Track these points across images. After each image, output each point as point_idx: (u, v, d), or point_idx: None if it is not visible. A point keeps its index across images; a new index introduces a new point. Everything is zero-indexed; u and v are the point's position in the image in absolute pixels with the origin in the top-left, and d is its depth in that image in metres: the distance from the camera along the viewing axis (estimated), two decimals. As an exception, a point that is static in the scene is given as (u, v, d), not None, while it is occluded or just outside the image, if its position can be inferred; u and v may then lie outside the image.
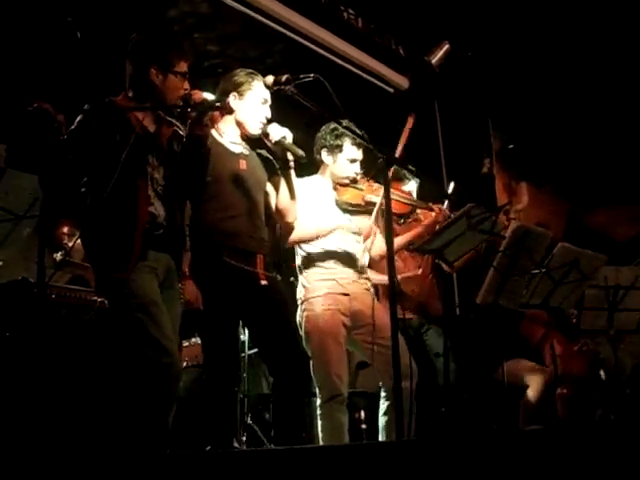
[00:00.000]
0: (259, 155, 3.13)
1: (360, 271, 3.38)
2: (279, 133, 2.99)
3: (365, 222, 3.40)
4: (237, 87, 3.02)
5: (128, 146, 2.54)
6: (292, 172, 3.07)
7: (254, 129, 3.04)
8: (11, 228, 2.98)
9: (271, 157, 3.12)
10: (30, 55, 3.81)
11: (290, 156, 3.02)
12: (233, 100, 3.01)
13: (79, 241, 3.56)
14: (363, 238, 3.42)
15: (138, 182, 2.61)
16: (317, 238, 3.31)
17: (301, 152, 2.99)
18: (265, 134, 3.02)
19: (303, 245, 3.33)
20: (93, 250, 2.66)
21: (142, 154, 2.65)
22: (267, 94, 3.04)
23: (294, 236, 3.27)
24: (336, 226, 3.33)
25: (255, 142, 3.12)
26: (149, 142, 2.69)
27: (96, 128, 2.58)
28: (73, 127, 2.58)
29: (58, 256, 3.81)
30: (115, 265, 2.56)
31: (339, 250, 3.33)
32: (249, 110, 3.03)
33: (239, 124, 3.06)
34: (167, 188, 2.71)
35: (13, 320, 3.22)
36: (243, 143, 3.10)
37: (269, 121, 3.04)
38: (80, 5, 3.78)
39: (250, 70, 3.10)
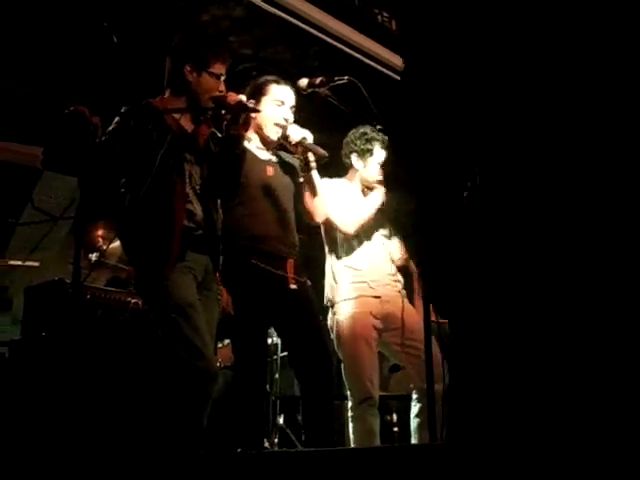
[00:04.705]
0: (282, 160, 3.13)
1: (391, 271, 3.36)
2: (299, 134, 2.99)
3: None
4: (253, 93, 3.01)
5: (165, 145, 2.57)
6: (315, 172, 3.05)
7: (272, 132, 3.03)
8: (48, 229, 3.04)
9: (293, 160, 3.12)
10: (66, 59, 3.88)
11: (311, 157, 3.00)
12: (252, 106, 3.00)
13: (114, 243, 3.62)
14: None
15: (175, 179, 2.63)
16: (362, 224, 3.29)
17: (323, 151, 2.98)
18: (285, 136, 3.02)
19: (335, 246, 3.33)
20: (132, 248, 2.68)
21: (179, 153, 2.67)
22: (285, 96, 3.03)
23: (339, 224, 3.26)
24: (374, 208, 3.31)
25: (279, 147, 3.12)
26: (186, 141, 2.72)
27: (133, 129, 2.61)
28: (110, 129, 2.62)
29: (93, 257, 3.86)
30: (154, 262, 2.57)
31: (369, 250, 3.33)
32: (263, 114, 3.00)
33: (258, 129, 3.06)
34: (205, 188, 2.73)
35: (50, 320, 3.27)
36: (269, 149, 3.10)
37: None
38: (116, 10, 3.84)
39: (271, 76, 3.10)
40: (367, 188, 3.42)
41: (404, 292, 3.39)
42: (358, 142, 3.37)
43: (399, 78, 4.92)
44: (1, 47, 3.73)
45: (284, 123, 3.02)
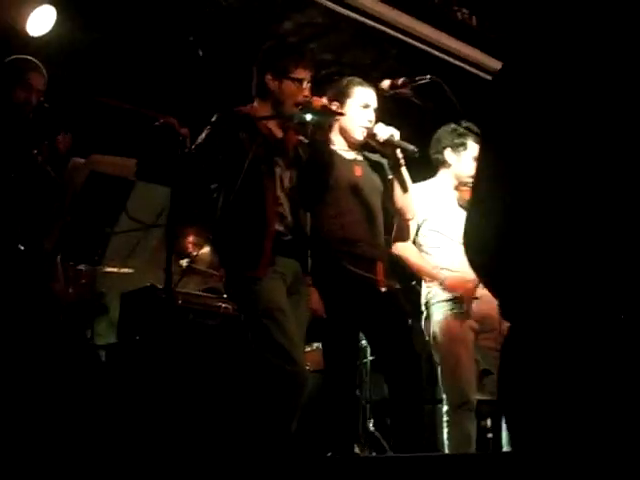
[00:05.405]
0: (369, 159, 3.12)
1: None
2: (386, 132, 2.96)
3: None
4: (337, 96, 3.01)
5: (255, 148, 2.63)
6: (403, 169, 3.03)
7: (358, 134, 3.03)
8: (141, 237, 3.15)
9: (380, 159, 3.10)
10: (156, 74, 4.01)
11: (400, 153, 2.98)
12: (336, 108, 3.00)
13: (204, 250, 3.70)
14: None
15: (266, 183, 2.68)
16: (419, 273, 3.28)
17: (412, 147, 2.93)
18: (371, 135, 3.00)
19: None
20: (225, 251, 2.75)
21: (270, 157, 2.72)
22: (370, 98, 3.01)
23: (401, 252, 3.23)
24: (441, 277, 3.23)
25: (364, 147, 3.11)
26: (276, 147, 2.77)
27: (224, 136, 2.69)
28: (202, 137, 2.69)
29: (184, 263, 3.97)
30: (246, 264, 2.62)
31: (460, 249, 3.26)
32: (349, 116, 2.99)
33: (343, 131, 3.06)
34: (294, 193, 2.76)
35: (143, 324, 3.37)
36: (354, 150, 3.09)
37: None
38: (200, 24, 3.95)
39: (352, 77, 3.10)
40: (461, 184, 3.35)
41: None
42: (450, 137, 3.32)
43: (484, 74, 4.81)
44: (92, 63, 3.90)
45: (369, 125, 3.01)
